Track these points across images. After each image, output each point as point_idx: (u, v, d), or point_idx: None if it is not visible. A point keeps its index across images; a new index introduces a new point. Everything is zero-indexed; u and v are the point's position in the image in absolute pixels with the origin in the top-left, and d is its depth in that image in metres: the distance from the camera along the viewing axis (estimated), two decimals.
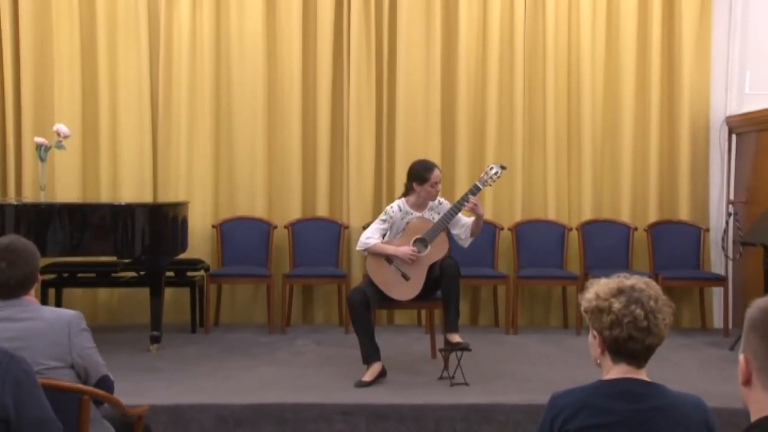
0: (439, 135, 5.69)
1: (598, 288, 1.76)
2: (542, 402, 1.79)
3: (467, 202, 4.04)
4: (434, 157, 5.39)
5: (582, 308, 1.77)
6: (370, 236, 4.12)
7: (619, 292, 1.73)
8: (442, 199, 4.27)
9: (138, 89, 5.58)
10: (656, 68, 5.74)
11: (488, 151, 5.69)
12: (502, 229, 5.63)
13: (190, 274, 5.32)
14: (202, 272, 5.36)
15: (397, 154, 5.65)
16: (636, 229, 5.64)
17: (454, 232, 4.25)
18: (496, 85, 5.71)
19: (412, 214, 4.18)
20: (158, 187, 5.63)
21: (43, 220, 4.30)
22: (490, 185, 4.28)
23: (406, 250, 4.09)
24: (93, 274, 5.18)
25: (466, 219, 4.23)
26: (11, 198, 5.19)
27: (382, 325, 5.54)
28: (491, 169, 4.19)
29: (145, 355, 4.56)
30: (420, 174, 4.11)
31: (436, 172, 4.12)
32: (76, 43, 5.54)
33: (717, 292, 5.70)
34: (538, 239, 5.60)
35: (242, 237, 5.53)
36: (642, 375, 1.73)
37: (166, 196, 5.56)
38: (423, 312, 5.47)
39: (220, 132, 5.68)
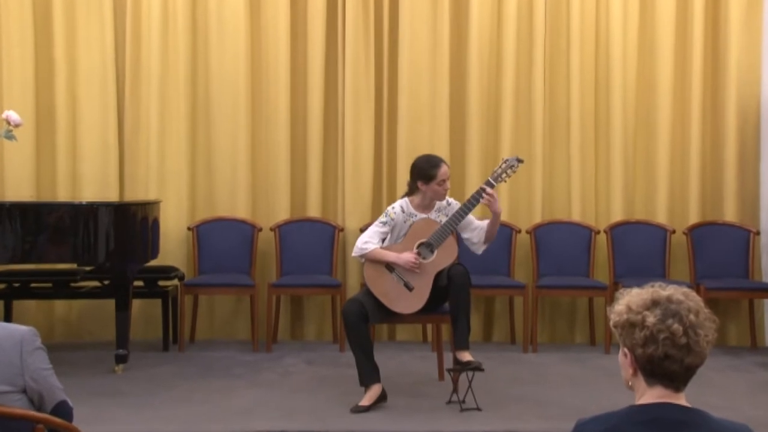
0: (447, 126, 5.70)
1: (630, 299, 1.75)
2: (565, 430, 1.78)
3: (481, 198, 4.05)
4: (442, 151, 5.41)
5: (611, 322, 1.77)
6: (369, 240, 4.13)
7: (654, 304, 1.72)
8: (451, 200, 4.27)
9: (101, 71, 5.58)
10: (698, 46, 5.74)
11: (503, 144, 5.70)
12: (519, 231, 5.63)
13: (161, 283, 5.33)
14: (175, 281, 5.37)
15: (400, 147, 5.66)
16: (674, 231, 5.65)
17: (465, 235, 4.25)
18: (512, 69, 5.71)
19: (416, 215, 4.19)
20: (125, 183, 5.64)
21: None
22: (505, 181, 4.27)
23: (409, 256, 4.10)
24: (49, 284, 5.18)
25: (479, 222, 4.24)
26: None
27: (382, 342, 5.54)
28: (506, 162, 4.20)
29: (109, 377, 4.56)
30: (425, 171, 4.11)
31: (444, 169, 4.12)
32: (28, 16, 5.53)
33: None
34: (561, 243, 5.61)
35: (222, 241, 5.54)
36: (681, 400, 1.72)
37: (135, 194, 5.57)
38: (429, 327, 5.48)
39: (196, 121, 5.69)
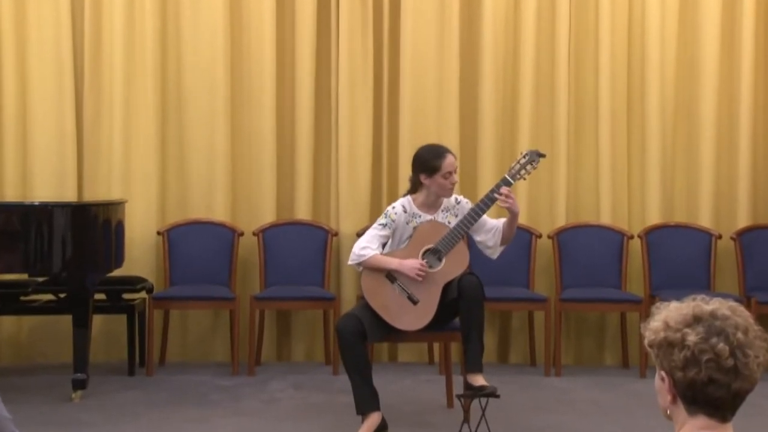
0: (456, 116, 5.70)
1: (668, 315, 1.75)
2: None
3: (497, 196, 4.06)
4: (451, 145, 5.23)
5: (646, 341, 1.76)
6: (367, 246, 4.13)
7: (696, 320, 1.72)
8: (461, 198, 4.28)
9: (56, 52, 5.58)
10: (749, 19, 5.71)
11: (522, 137, 5.70)
12: (540, 236, 5.63)
13: (127, 296, 5.33)
14: (143, 294, 5.36)
15: (402, 140, 5.66)
16: (720, 236, 5.65)
17: (478, 238, 4.25)
18: (532, 49, 5.71)
19: (420, 216, 4.19)
20: (84, 181, 5.65)
21: None
22: (524, 178, 4.27)
23: (413, 262, 4.10)
24: None
25: (494, 222, 4.24)
26: None
27: (382, 363, 5.53)
28: (525, 157, 4.20)
29: (66, 406, 4.55)
30: (428, 162, 4.12)
31: (450, 159, 4.14)
32: None
33: None
34: (588, 250, 5.61)
35: (197, 247, 5.54)
36: (728, 431, 1.72)
37: (95, 194, 5.57)
38: (436, 346, 5.47)
39: (167, 109, 5.69)
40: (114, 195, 5.49)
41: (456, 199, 4.25)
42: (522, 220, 5.55)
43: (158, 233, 5.58)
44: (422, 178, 4.14)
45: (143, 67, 5.60)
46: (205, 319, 5.73)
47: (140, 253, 5.57)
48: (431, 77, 5.72)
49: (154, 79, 5.60)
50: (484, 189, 5.15)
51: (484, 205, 4.11)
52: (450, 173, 4.11)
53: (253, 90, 5.70)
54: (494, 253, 4.27)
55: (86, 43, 5.59)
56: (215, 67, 5.63)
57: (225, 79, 5.64)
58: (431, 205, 4.20)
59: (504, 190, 4.06)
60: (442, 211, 4.21)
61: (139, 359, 5.34)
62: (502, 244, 4.24)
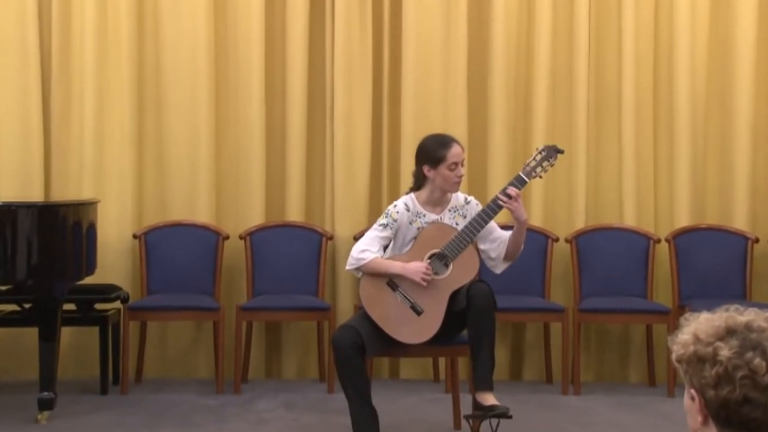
0: (464, 109, 5.70)
1: (698, 327, 1.74)
2: None
3: (503, 198, 4.07)
4: (459, 138, 5.29)
5: (674, 356, 1.76)
6: (366, 249, 4.13)
7: (729, 332, 1.71)
8: (470, 198, 4.29)
9: (19, 34, 5.57)
10: None
11: (537, 132, 5.70)
12: (557, 240, 5.63)
13: (99, 306, 5.32)
14: (117, 304, 5.36)
15: (404, 133, 5.67)
16: (757, 240, 5.64)
17: (482, 247, 4.27)
18: (548, 33, 5.71)
19: (425, 215, 4.20)
20: (52, 180, 5.65)
21: None
22: (540, 177, 4.28)
23: (418, 266, 4.10)
24: None
25: (501, 232, 4.25)
26: None
27: (382, 380, 5.54)
28: (541, 153, 4.20)
29: (31, 429, 4.54)
30: (432, 151, 4.13)
31: (456, 149, 4.14)
32: None
33: None
34: (610, 255, 5.61)
35: (178, 252, 5.55)
36: None
37: (64, 193, 5.58)
38: (441, 361, 5.47)
39: (144, 101, 5.69)
40: (85, 194, 5.48)
41: (465, 198, 4.27)
42: (537, 222, 5.61)
43: (134, 237, 5.58)
44: (426, 170, 4.15)
45: (117, 54, 5.60)
46: (187, 332, 5.73)
47: (114, 259, 5.57)
48: (436, 64, 5.72)
49: (129, 67, 5.60)
50: (495, 189, 5.11)
51: (495, 206, 4.12)
52: (456, 164, 4.12)
53: (240, 79, 5.70)
54: (497, 267, 4.29)
55: (54, 29, 5.58)
56: (197, 53, 5.63)
57: (208, 67, 5.64)
58: (437, 203, 4.21)
59: (511, 191, 4.07)
60: (449, 210, 4.22)
61: (113, 376, 5.33)
62: (506, 259, 4.25)
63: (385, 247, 4.19)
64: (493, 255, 4.24)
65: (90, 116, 5.59)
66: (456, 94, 5.70)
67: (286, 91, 5.72)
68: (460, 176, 4.15)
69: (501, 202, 4.07)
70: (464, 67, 5.70)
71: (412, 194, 4.23)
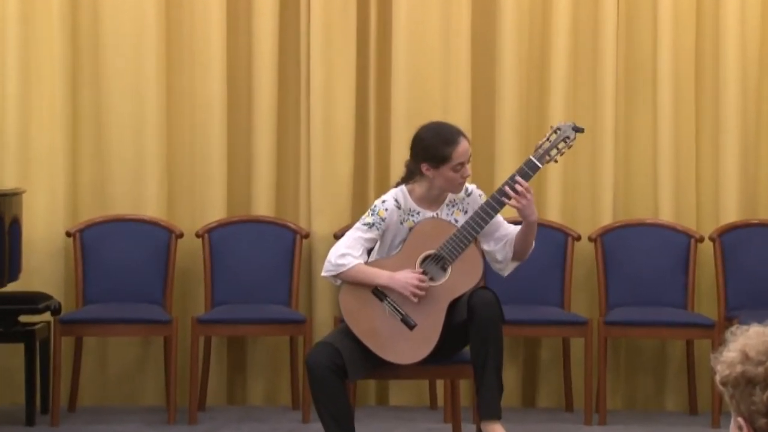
0: (467, 84, 5.71)
1: (747, 343, 1.76)
2: None
3: (509, 193, 4.07)
4: (461, 120, 5.33)
5: (717, 378, 1.78)
6: (347, 252, 4.14)
7: None
8: (472, 188, 4.30)
9: None
10: None
11: (553, 109, 5.71)
12: (578, 238, 5.64)
13: (24, 319, 5.30)
14: (47, 316, 5.35)
15: (395, 114, 5.67)
16: None
17: (486, 247, 4.27)
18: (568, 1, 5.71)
19: (419, 213, 4.19)
20: None
21: None
22: (556, 161, 4.28)
23: (408, 276, 4.10)
24: None
25: (509, 227, 4.26)
26: None
27: (368, 407, 5.55)
28: (556, 132, 4.20)
29: None
30: (435, 149, 4.12)
31: (464, 146, 4.14)
32: None
33: None
34: (643, 257, 5.61)
35: (120, 253, 5.54)
36: None
37: None
38: (439, 384, 5.45)
39: (79, 73, 5.68)
40: (6, 184, 5.48)
41: (466, 189, 4.26)
42: (554, 216, 5.62)
43: (68, 234, 5.56)
44: (425, 168, 4.14)
45: (46, 18, 5.58)
46: (132, 350, 5.71)
47: (43, 261, 5.57)
48: (434, 25, 5.72)
49: (61, 33, 5.59)
50: (503, 178, 4.90)
51: (502, 197, 4.11)
52: (462, 165, 4.11)
53: (196, 48, 5.70)
54: (504, 270, 4.29)
55: None
56: (143, 15, 5.63)
57: (157, 33, 5.63)
58: (433, 200, 4.21)
59: (520, 183, 4.07)
60: (448, 206, 4.23)
61: (41, 404, 5.32)
62: (515, 259, 4.25)
63: (370, 250, 4.19)
64: (499, 257, 4.24)
65: (12, 92, 5.59)
66: (458, 62, 5.70)
67: (251, 60, 5.71)
68: (466, 177, 4.16)
69: (505, 199, 4.08)
70: (467, 29, 5.70)
71: (404, 187, 4.22)
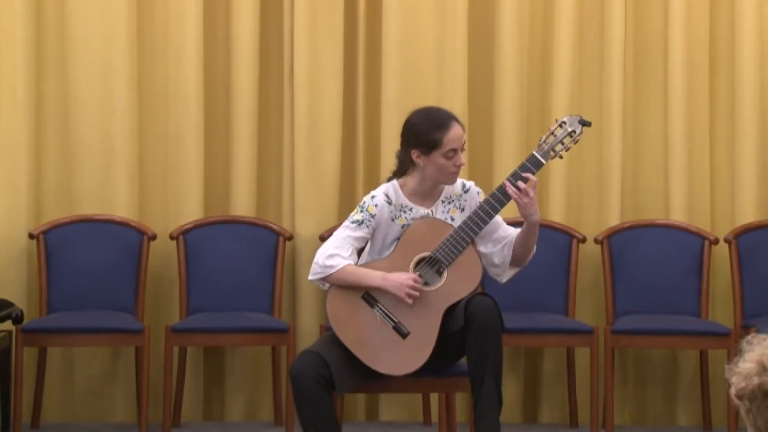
0: (463, 72, 5.72)
1: (765, 353, 1.79)
2: None
3: (510, 189, 4.07)
4: (457, 110, 5.19)
5: (733, 391, 1.80)
6: (335, 253, 4.14)
7: None
8: (470, 184, 4.30)
9: None
10: None
11: (557, 101, 5.73)
12: (584, 240, 5.65)
13: None
14: (8, 325, 5.32)
15: (385, 106, 5.68)
16: None
17: (483, 249, 4.27)
18: None
19: (411, 209, 4.20)
20: None
21: None
22: (561, 157, 4.29)
23: (402, 278, 4.10)
24: None
25: (508, 229, 4.27)
26: None
27: (357, 423, 5.57)
28: (561, 125, 4.22)
29: None
30: (425, 133, 4.13)
31: (456, 130, 4.15)
32: None
33: None
34: (653, 260, 5.63)
35: (88, 257, 5.55)
36: None
37: None
38: (433, 398, 5.45)
39: (43, 59, 5.68)
40: None
41: (464, 185, 4.26)
42: (558, 217, 5.65)
43: (30, 236, 5.56)
44: (415, 155, 4.14)
45: (8, 0, 5.58)
46: (100, 361, 5.70)
47: (3, 266, 5.57)
48: (428, 12, 5.73)
49: (24, 18, 5.59)
50: (502, 174, 5.03)
51: (502, 195, 4.11)
52: (455, 151, 4.12)
53: (170, 31, 5.70)
54: (501, 275, 4.30)
55: None
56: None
57: (128, 17, 5.63)
58: (426, 195, 4.21)
59: (524, 180, 4.06)
60: (443, 202, 4.23)
61: (2, 420, 5.29)
62: (513, 264, 4.26)
63: (360, 251, 4.20)
64: (496, 260, 4.24)
65: None
66: (453, 47, 5.71)
67: (230, 45, 5.72)
68: (460, 165, 4.16)
69: (505, 198, 4.07)
70: (464, 12, 5.70)
71: (395, 182, 4.23)
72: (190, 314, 5.47)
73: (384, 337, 4.10)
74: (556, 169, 5.52)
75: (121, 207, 5.63)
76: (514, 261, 4.24)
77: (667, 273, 5.61)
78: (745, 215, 5.74)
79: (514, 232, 4.22)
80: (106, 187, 5.66)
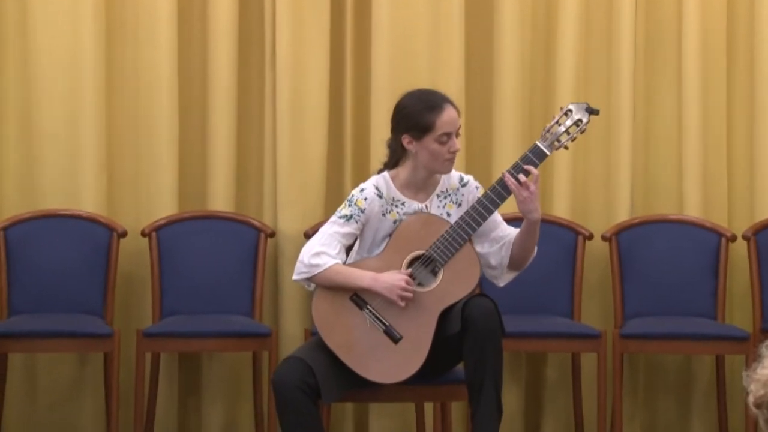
0: (460, 54, 5.73)
1: None
2: None
3: (510, 182, 4.09)
4: (453, 97, 5.24)
5: (750, 399, 1.84)
6: (323, 250, 4.14)
7: None
8: (468, 178, 4.32)
9: None
10: None
11: (561, 87, 5.76)
12: (590, 237, 5.67)
13: None
14: None
15: (375, 92, 5.70)
16: None
17: (480, 249, 4.28)
18: None
19: (404, 203, 4.21)
20: None
21: None
22: (566, 147, 4.30)
23: (394, 278, 4.11)
24: None
25: (507, 228, 4.28)
26: None
27: None
28: (567, 114, 4.23)
29: None
30: (416, 116, 4.13)
31: (450, 113, 4.15)
32: None
33: None
34: (665, 259, 5.66)
35: (52, 255, 5.56)
36: None
37: None
38: (427, 408, 5.41)
39: (3, 43, 5.68)
40: None
41: (461, 178, 4.27)
42: (563, 212, 5.68)
43: None
44: (406, 141, 4.14)
45: None
46: (66, 368, 5.71)
47: None
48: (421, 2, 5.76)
49: None
50: (502, 167, 4.97)
51: (502, 190, 4.12)
52: (448, 135, 4.12)
53: (141, 11, 5.70)
54: (498, 278, 4.32)
55: None
56: None
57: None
58: (420, 187, 4.22)
59: (527, 170, 4.08)
60: (438, 196, 4.24)
61: None
62: (512, 267, 4.28)
63: (349, 248, 4.21)
64: (493, 261, 4.26)
65: None
66: (449, 28, 5.72)
67: (207, 27, 5.71)
68: (454, 152, 4.16)
69: (505, 192, 4.08)
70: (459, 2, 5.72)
71: (386, 174, 4.24)
72: (163, 317, 5.47)
73: (374, 342, 4.10)
74: (560, 160, 5.55)
75: (88, 201, 5.63)
76: (513, 263, 4.25)
77: (680, 272, 5.63)
78: (764, 210, 5.76)
79: (514, 232, 4.24)
80: (71, 180, 5.66)
